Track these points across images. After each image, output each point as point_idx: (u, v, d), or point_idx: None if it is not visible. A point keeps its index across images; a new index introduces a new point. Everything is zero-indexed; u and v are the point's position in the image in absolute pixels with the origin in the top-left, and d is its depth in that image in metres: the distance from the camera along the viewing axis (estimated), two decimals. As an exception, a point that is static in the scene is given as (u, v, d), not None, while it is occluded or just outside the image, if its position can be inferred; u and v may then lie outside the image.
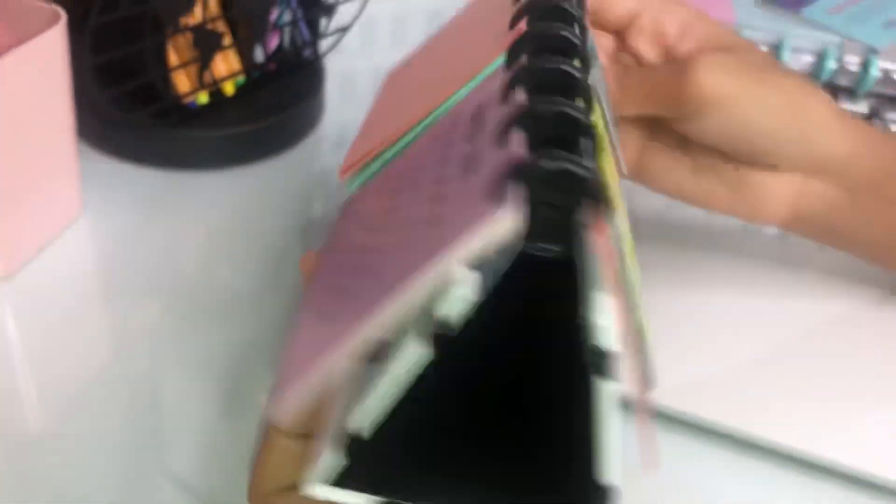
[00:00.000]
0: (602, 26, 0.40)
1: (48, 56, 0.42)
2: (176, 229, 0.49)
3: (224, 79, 0.52)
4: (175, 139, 0.51)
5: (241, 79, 0.53)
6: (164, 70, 0.49)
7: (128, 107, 0.49)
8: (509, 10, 0.29)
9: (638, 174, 0.40)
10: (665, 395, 0.37)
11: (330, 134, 0.58)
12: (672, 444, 0.38)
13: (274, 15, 0.53)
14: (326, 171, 0.56)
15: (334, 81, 0.60)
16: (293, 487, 0.25)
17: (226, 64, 0.52)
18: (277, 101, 0.55)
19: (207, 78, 0.51)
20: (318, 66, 0.58)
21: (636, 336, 0.23)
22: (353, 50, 0.67)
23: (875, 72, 0.52)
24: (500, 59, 0.27)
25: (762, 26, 0.57)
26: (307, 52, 0.57)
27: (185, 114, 0.51)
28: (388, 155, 0.30)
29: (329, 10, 0.56)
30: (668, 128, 0.38)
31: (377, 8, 0.70)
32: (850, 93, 0.54)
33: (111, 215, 0.48)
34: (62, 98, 0.44)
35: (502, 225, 0.19)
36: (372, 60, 0.66)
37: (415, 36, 0.69)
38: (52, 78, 0.43)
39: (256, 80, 0.54)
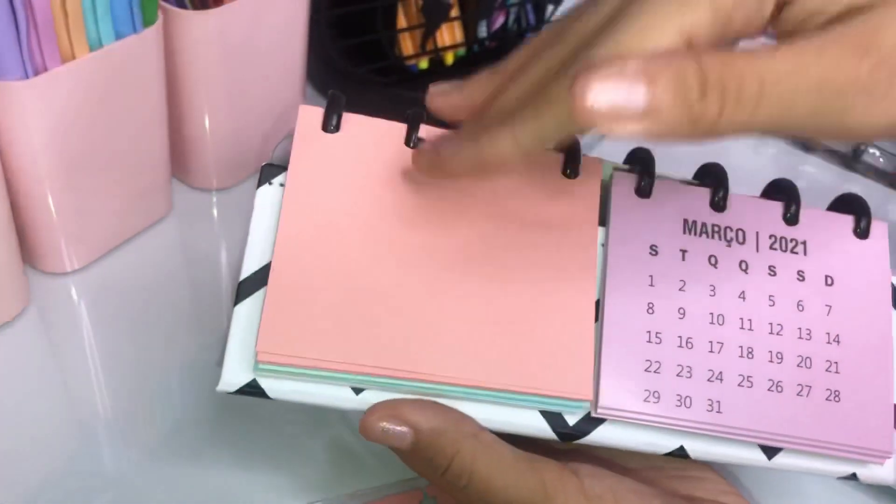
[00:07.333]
0: None
1: (292, 3, 0.47)
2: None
3: (446, 48, 0.55)
4: (393, 97, 0.55)
5: (461, 51, 0.57)
6: (392, 31, 0.53)
7: (354, 61, 0.54)
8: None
9: None
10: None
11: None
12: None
13: (503, -5, 0.56)
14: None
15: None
16: None
17: (450, 34, 0.56)
18: (492, 77, 0.57)
19: (430, 45, 0.55)
20: (538, 50, 0.60)
21: None
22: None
23: None
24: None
25: None
26: (529, 36, 0.59)
27: (406, 75, 0.55)
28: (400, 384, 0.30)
29: (557, -2, 0.58)
30: None
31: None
32: None
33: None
34: (298, 42, 0.49)
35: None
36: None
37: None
38: (292, 23, 0.48)
39: (475, 53, 0.57)
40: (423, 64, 0.56)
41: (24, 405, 0.39)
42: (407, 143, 0.32)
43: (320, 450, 0.39)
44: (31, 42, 0.36)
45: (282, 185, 0.31)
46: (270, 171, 0.31)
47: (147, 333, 0.43)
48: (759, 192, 0.35)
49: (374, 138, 0.32)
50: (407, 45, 0.54)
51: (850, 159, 0.57)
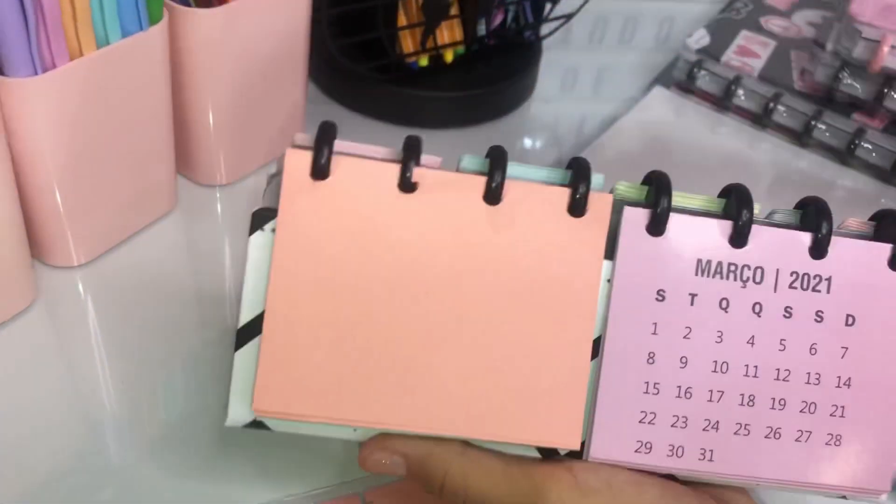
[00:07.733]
0: None
1: (294, 1, 0.48)
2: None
3: (445, 46, 0.56)
4: (392, 95, 0.56)
5: (460, 49, 0.57)
6: (392, 29, 0.54)
7: (355, 59, 0.54)
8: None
9: None
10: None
11: (535, 113, 0.61)
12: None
13: (501, -6, 0.57)
14: (525, 149, 0.59)
15: (553, 68, 0.63)
16: None
17: (449, 33, 0.56)
18: (491, 74, 0.58)
19: (430, 43, 0.55)
20: (536, 48, 0.61)
21: None
22: (580, 43, 0.69)
23: None
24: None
25: None
26: (528, 34, 0.60)
27: (406, 73, 0.56)
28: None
29: (555, -3, 0.59)
30: None
31: (608, 5, 0.73)
32: None
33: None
34: (300, 40, 0.50)
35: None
36: (595, 56, 0.68)
37: (642, 37, 0.71)
38: (294, 21, 0.48)
39: (475, 52, 0.58)
40: (424, 61, 0.57)
41: (30, 398, 0.40)
42: (400, 186, 0.30)
43: (321, 444, 0.39)
44: (39, 39, 0.37)
45: (273, 230, 0.30)
46: (261, 216, 0.30)
47: (153, 327, 0.43)
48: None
49: (365, 183, 0.30)
50: (407, 42, 0.55)
51: (845, 154, 0.57)
